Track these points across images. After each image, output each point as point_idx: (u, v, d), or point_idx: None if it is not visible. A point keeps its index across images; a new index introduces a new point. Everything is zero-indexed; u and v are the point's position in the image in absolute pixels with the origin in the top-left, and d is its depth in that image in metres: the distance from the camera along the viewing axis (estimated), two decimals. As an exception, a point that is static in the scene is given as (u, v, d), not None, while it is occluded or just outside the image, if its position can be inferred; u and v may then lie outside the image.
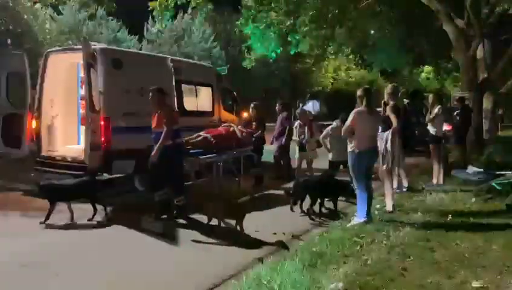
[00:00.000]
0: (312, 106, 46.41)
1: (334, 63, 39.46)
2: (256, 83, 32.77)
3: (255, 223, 5.97)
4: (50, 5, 25.17)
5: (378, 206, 6.71)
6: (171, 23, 29.59)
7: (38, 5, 23.09)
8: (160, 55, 12.27)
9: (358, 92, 6.13)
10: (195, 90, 9.84)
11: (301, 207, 6.83)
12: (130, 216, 6.45)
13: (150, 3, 11.81)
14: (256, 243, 5.43)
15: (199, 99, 9.84)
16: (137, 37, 29.97)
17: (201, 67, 11.46)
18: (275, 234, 5.71)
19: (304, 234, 5.84)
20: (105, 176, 7.80)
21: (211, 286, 4.22)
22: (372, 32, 16.92)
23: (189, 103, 9.46)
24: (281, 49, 15.82)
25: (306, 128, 8.81)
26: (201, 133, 7.71)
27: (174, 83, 8.77)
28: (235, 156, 8.35)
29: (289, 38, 15.07)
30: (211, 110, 10.14)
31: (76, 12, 26.83)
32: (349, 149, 6.03)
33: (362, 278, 4.06)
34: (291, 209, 6.89)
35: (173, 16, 18.38)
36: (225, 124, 8.52)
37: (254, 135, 8.90)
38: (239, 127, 8.55)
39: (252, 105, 9.74)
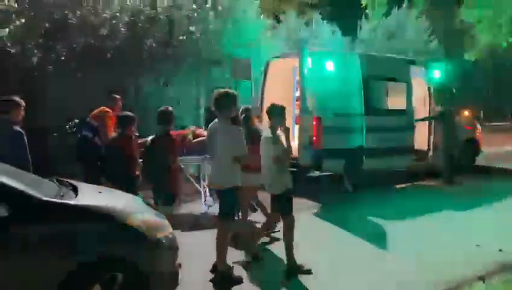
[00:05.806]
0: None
1: None
2: (481, 76, 29.02)
3: (477, 237, 5.35)
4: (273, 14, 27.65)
5: None
6: (385, 19, 28.83)
7: (262, 16, 25.65)
8: (372, 53, 11.77)
9: None
10: (386, 86, 8.84)
11: None
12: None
13: (362, 0, 11.76)
14: (476, 259, 4.84)
15: (392, 97, 9.01)
16: (350, 38, 30.19)
17: (394, 61, 9.85)
18: (500, 251, 4.97)
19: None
20: (316, 173, 8.22)
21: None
22: None
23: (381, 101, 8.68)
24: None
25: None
26: None
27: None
28: None
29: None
30: (405, 108, 9.09)
31: (293, 19, 28.73)
32: None
33: None
34: None
35: (387, 12, 17.95)
36: None
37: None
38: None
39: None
